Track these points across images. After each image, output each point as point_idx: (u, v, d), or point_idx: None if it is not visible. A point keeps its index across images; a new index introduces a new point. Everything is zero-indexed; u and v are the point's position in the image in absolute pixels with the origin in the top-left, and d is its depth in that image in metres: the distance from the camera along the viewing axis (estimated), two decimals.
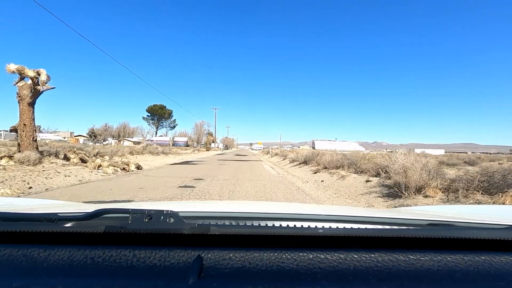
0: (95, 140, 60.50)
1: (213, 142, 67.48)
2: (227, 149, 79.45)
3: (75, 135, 67.35)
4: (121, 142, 58.07)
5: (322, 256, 0.56)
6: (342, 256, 0.56)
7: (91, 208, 0.84)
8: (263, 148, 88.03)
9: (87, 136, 63.16)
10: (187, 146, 55.96)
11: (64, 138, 62.06)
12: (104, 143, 55.04)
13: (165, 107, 74.25)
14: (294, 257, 0.56)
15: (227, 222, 0.87)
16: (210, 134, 75.88)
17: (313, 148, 58.80)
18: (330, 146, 58.47)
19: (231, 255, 0.56)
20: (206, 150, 41.02)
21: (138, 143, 54.58)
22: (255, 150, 79.98)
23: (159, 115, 74.28)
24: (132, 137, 58.24)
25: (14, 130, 9.84)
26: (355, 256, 0.56)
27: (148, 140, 58.44)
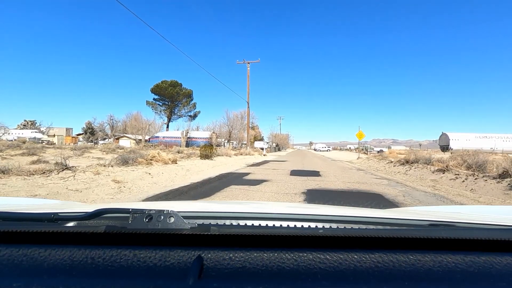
0: (91, 138, 42.29)
1: (254, 139, 44.30)
2: (279, 150, 54.47)
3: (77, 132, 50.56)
4: (118, 140, 38.90)
5: (322, 257, 0.56)
6: (342, 256, 0.56)
7: (91, 208, 0.84)
8: (327, 148, 61.35)
9: (83, 132, 45.69)
10: (211, 145, 33.36)
11: (54, 136, 45.40)
12: (102, 142, 37.10)
13: (181, 84, 48.17)
14: (294, 257, 0.56)
15: (227, 222, 0.87)
16: (253, 128, 51.65)
17: (446, 148, 32.02)
18: (487, 144, 30.68)
19: (231, 255, 0.56)
20: (201, 158, 14.73)
21: (144, 141, 34.78)
22: (322, 151, 53.91)
23: (170, 97, 47.22)
24: (141, 134, 38.37)
25: None
26: (356, 256, 0.56)
27: (154, 137, 38.32)
